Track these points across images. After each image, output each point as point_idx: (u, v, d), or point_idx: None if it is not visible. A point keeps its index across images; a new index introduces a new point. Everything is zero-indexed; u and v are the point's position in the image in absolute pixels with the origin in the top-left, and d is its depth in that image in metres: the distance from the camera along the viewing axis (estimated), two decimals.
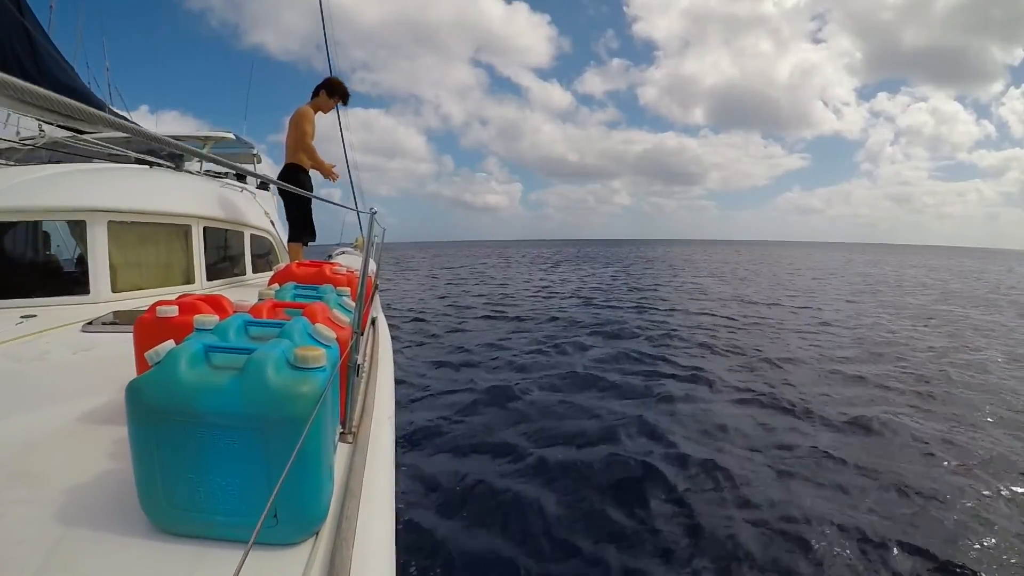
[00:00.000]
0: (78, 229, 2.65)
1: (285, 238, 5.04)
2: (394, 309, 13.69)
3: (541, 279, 23.31)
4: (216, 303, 1.55)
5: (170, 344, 0.88)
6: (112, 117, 0.63)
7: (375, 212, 4.48)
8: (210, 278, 3.40)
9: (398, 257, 52.39)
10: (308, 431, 0.76)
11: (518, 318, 11.81)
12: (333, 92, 4.41)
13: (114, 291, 2.71)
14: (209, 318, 1.05)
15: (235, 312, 1.45)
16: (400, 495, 3.41)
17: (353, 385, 1.27)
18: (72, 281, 2.64)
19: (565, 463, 4.05)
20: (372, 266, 4.65)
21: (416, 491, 3.66)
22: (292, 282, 2.13)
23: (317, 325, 1.12)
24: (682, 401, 5.66)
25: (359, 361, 1.32)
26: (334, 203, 3.29)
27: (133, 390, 0.80)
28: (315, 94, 4.38)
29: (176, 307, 1.40)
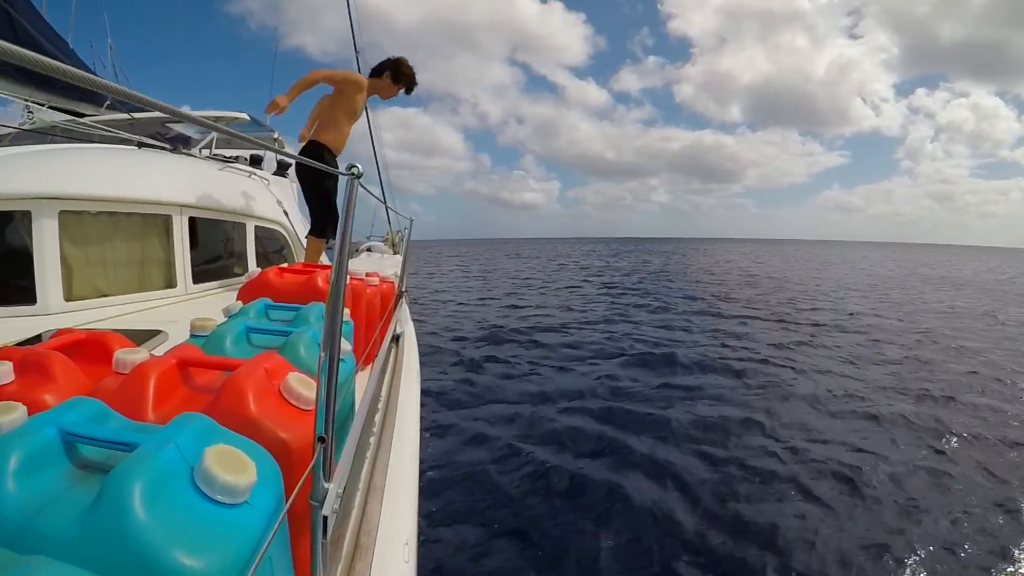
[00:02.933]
0: (25, 222, 2.14)
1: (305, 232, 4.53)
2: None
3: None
4: (93, 349, 0.97)
5: None
6: (107, 82, 0.47)
7: (412, 220, 3.94)
8: (199, 280, 2.86)
9: (437, 254, 52.95)
10: None
11: None
12: (399, 78, 3.65)
13: (68, 299, 2.20)
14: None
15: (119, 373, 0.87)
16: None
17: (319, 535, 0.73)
18: (13, 288, 2.13)
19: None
20: (397, 266, 4.12)
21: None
22: (265, 298, 1.55)
23: (251, 409, 0.77)
24: None
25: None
26: (375, 195, 2.70)
27: None
28: (376, 73, 3.64)
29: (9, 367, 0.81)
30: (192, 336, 1.19)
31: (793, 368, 7.38)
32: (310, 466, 0.70)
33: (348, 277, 1.98)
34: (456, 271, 29.75)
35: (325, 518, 0.69)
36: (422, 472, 1.65)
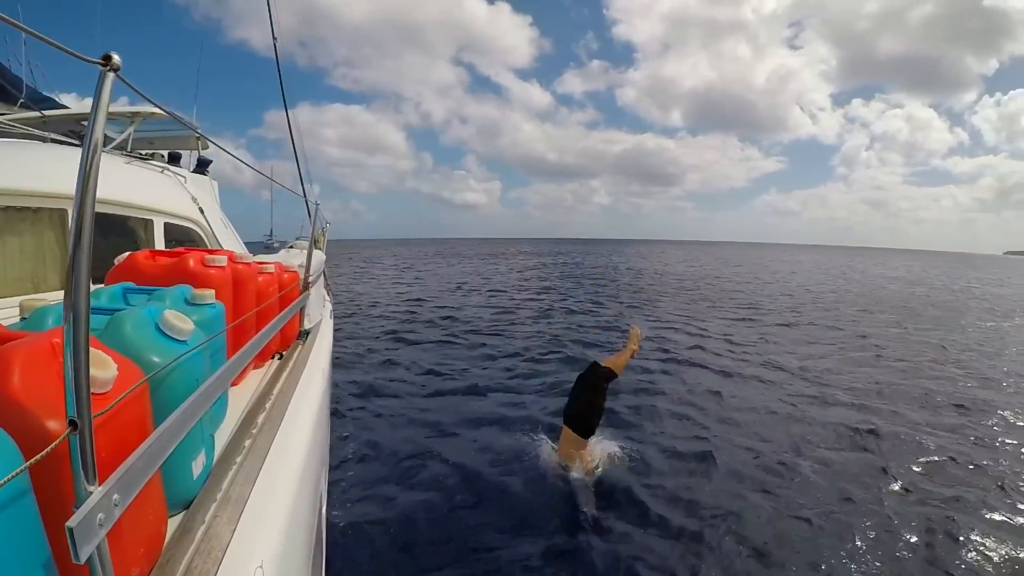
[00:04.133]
0: None
1: (229, 231, 4.36)
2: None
3: None
4: None
5: None
6: None
7: (318, 205, 3.88)
8: (100, 280, 2.71)
9: (379, 255, 52.80)
10: None
11: None
12: None
13: None
14: None
15: None
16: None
17: None
18: None
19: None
20: (320, 258, 4.03)
21: None
22: (127, 282, 1.49)
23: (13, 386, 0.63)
24: None
25: None
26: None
27: None
28: None
29: None
30: (21, 320, 1.12)
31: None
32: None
33: (234, 259, 1.91)
34: (391, 271, 30.23)
35: (71, 531, 0.53)
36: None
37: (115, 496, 0.60)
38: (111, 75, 0.68)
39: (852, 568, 3.28)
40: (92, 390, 0.65)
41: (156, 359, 0.97)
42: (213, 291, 1.43)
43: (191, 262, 1.68)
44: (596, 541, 3.49)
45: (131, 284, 1.45)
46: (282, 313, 1.87)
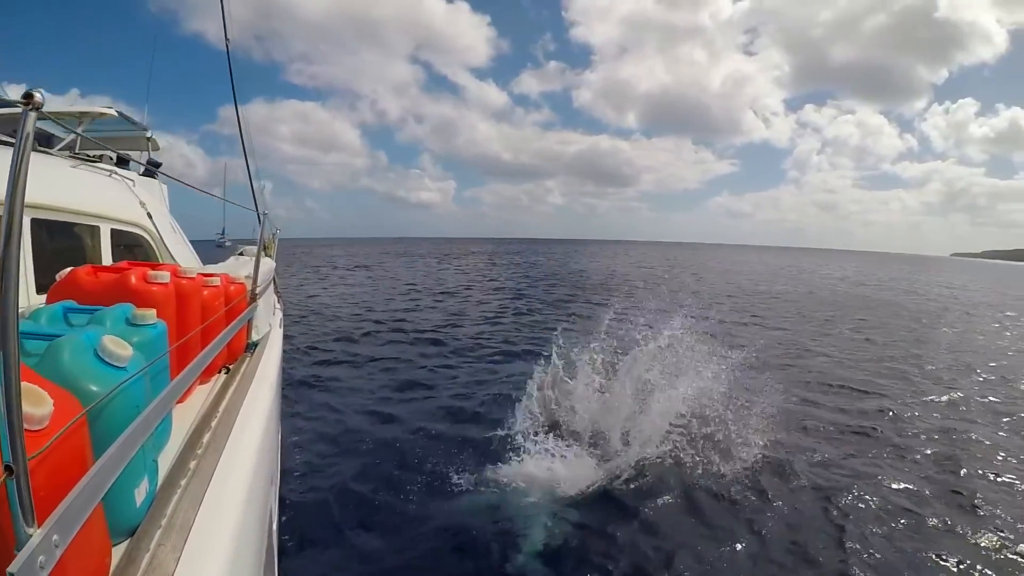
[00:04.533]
0: None
1: (178, 236, 4.28)
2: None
3: None
4: None
5: None
6: None
7: (266, 214, 3.87)
8: (44, 290, 2.65)
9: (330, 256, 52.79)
10: None
11: None
12: None
13: None
14: None
15: None
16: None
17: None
18: None
19: None
20: (269, 266, 4.01)
21: None
22: (69, 300, 1.51)
23: None
24: None
25: None
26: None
27: None
28: None
29: None
30: None
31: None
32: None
33: (177, 273, 1.91)
34: (343, 271, 30.45)
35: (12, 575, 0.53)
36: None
37: (55, 537, 0.59)
38: (33, 115, 0.66)
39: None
40: (27, 427, 0.64)
41: (94, 388, 0.98)
42: (154, 310, 1.44)
43: (133, 279, 1.67)
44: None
45: (72, 303, 1.46)
46: (226, 329, 1.87)
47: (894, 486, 4.71)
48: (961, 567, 3.58)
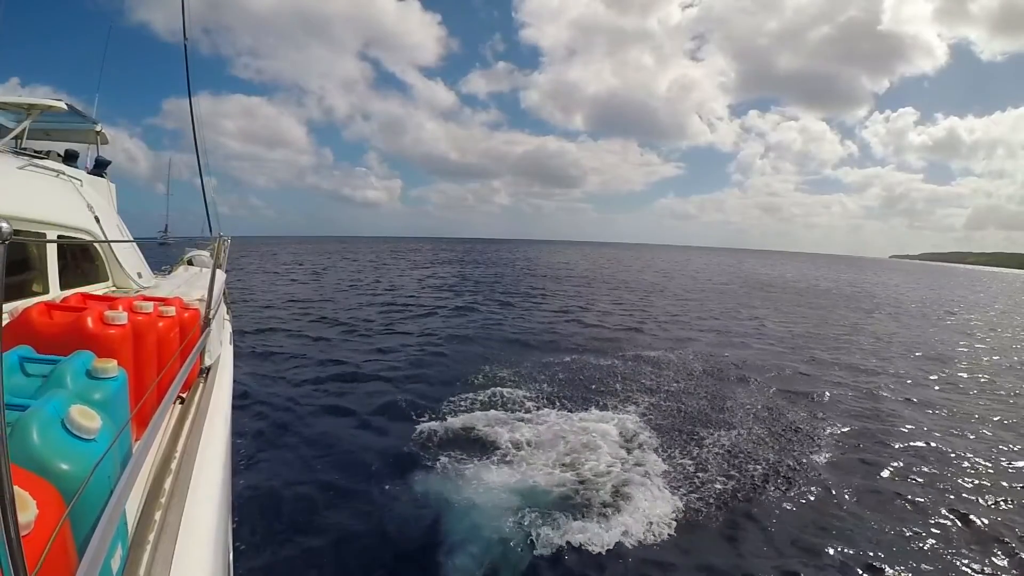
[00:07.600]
0: None
1: (125, 237, 4.12)
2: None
3: None
4: None
5: None
6: None
7: (229, 240, 3.80)
8: None
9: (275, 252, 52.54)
10: None
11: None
12: None
13: None
14: None
15: None
16: None
17: None
18: None
19: None
20: (220, 281, 3.91)
21: None
22: (23, 347, 1.47)
23: None
24: None
25: None
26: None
27: None
28: None
29: None
30: None
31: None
32: None
33: (133, 308, 1.88)
34: (286, 268, 30.97)
35: None
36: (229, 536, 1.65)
37: None
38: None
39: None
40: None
41: (66, 467, 0.97)
42: (115, 361, 1.43)
43: (89, 321, 1.64)
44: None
45: (28, 349, 1.43)
46: (181, 370, 1.83)
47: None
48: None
